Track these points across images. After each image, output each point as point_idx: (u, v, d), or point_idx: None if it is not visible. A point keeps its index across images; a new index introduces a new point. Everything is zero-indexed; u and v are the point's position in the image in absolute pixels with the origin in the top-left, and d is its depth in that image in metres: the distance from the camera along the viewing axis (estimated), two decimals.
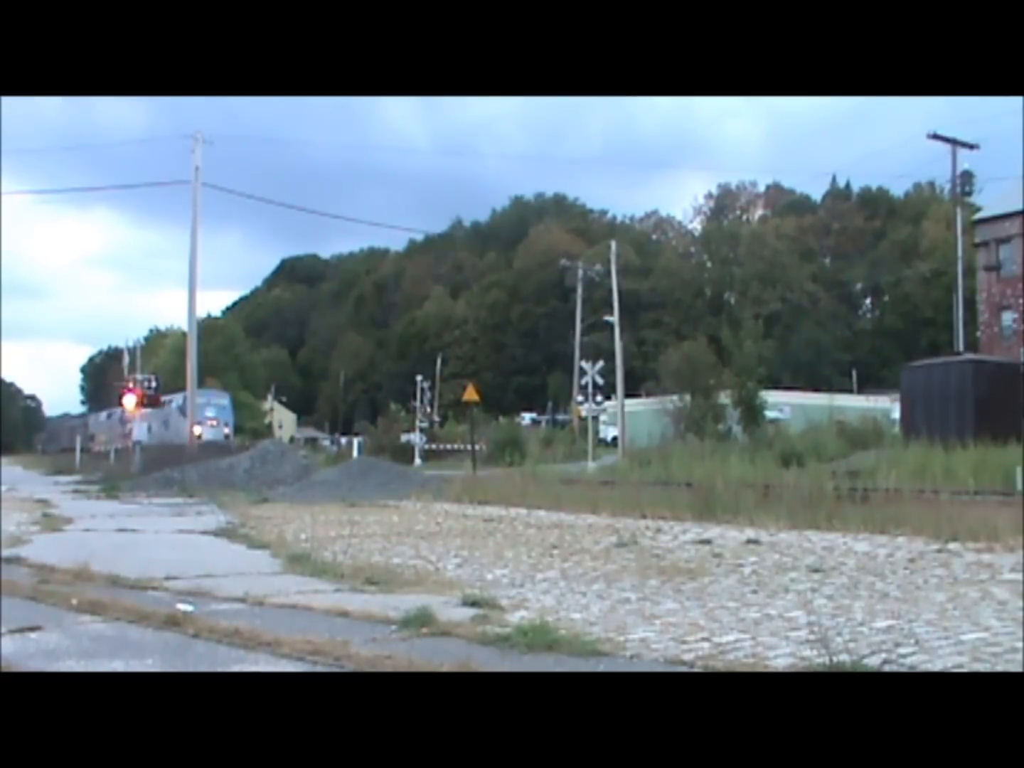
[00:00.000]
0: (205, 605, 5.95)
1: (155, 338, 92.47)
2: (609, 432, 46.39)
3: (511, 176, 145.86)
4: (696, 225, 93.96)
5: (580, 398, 38.37)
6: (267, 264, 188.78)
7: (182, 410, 43.75)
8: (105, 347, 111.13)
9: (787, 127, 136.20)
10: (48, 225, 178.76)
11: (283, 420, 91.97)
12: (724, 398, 36.13)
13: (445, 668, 4.02)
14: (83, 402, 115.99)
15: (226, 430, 48.42)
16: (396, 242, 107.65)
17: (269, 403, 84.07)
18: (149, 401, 32.20)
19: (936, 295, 61.88)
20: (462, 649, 4.60)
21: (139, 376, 36.51)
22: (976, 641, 4.70)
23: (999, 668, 4.14)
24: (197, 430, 41.28)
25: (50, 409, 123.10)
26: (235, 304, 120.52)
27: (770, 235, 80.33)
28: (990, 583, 6.78)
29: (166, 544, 10.44)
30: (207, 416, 45.36)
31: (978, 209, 39.13)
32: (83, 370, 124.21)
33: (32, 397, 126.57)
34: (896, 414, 31.54)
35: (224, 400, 51.55)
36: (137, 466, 29.82)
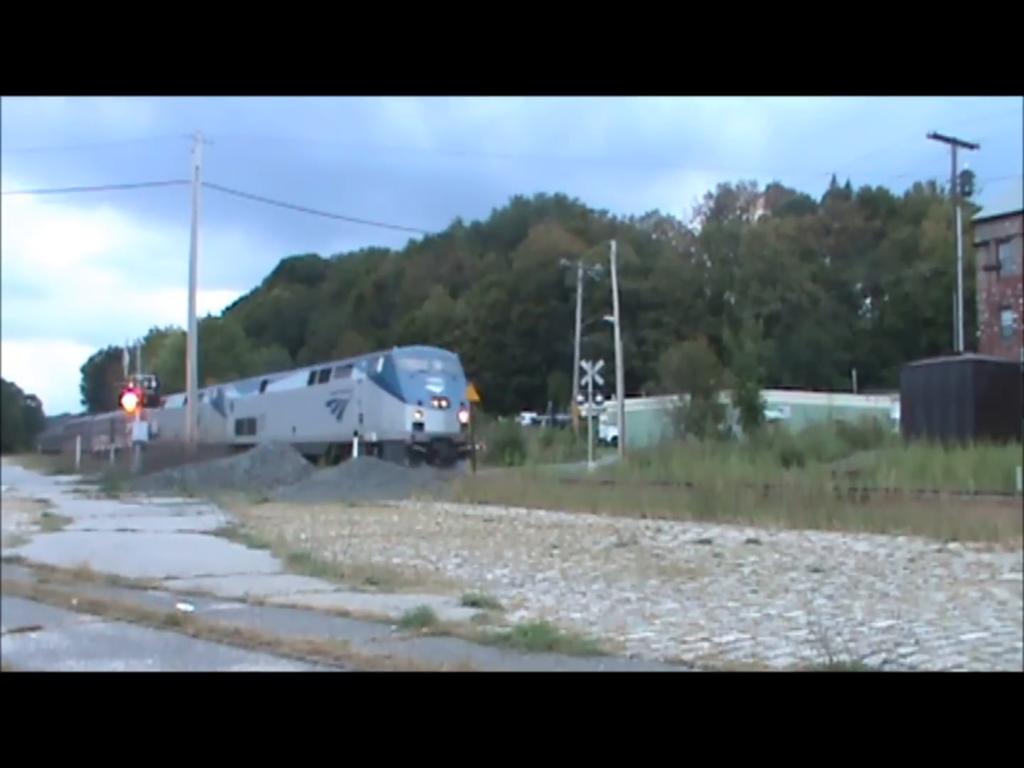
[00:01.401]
0: (205, 605, 5.95)
1: (155, 338, 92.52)
2: (609, 432, 46.45)
3: (512, 176, 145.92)
4: (696, 225, 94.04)
5: (580, 398, 38.34)
6: (267, 264, 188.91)
7: (379, 380, 29.02)
8: (105, 347, 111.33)
9: (787, 127, 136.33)
10: (50, 225, 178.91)
11: None
12: (724, 398, 36.21)
13: (445, 668, 4.01)
14: (83, 402, 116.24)
15: (463, 416, 28.66)
16: (396, 242, 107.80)
17: None
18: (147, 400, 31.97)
19: (936, 295, 61.87)
20: (462, 649, 4.59)
21: (139, 376, 36.20)
22: (976, 641, 4.70)
23: (999, 668, 4.14)
24: (416, 416, 27.54)
25: (50, 409, 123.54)
26: (235, 304, 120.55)
27: (770, 235, 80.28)
28: (990, 583, 6.77)
29: (166, 544, 10.43)
30: (431, 392, 28.21)
31: (978, 209, 39.21)
32: (83, 370, 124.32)
33: (32, 397, 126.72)
34: (896, 414, 31.60)
35: (454, 364, 30.86)
36: (137, 466, 29.76)
